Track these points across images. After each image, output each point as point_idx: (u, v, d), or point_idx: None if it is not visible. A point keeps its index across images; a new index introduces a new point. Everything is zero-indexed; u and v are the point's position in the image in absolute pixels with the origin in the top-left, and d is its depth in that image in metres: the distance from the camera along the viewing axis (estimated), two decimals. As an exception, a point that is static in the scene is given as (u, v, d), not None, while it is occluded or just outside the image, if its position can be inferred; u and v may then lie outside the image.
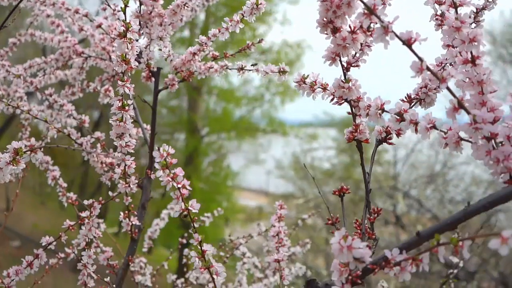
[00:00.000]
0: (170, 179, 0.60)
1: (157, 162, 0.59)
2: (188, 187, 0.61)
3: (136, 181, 0.89)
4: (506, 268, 5.97)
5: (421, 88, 0.66)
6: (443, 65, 0.67)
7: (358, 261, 0.49)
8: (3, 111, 1.32)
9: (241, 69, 0.92)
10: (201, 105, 11.83)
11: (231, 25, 0.85)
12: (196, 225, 0.65)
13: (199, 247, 0.63)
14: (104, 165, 1.01)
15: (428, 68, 0.49)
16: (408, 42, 0.50)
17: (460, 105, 0.50)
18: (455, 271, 1.06)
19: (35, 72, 1.20)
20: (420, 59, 0.49)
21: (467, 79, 0.53)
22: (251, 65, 0.94)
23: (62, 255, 1.11)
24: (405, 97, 0.67)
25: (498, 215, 6.14)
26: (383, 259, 0.52)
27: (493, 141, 0.51)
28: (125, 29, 0.67)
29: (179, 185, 0.60)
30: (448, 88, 0.50)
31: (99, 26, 1.06)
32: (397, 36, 0.49)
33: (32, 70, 1.20)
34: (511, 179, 0.49)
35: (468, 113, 0.50)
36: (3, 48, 1.35)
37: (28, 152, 0.65)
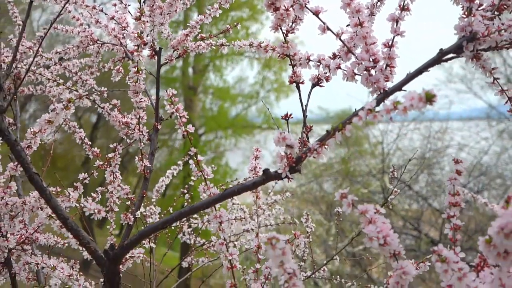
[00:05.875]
0: (175, 111, 0.91)
1: (165, 100, 0.91)
2: (186, 116, 0.92)
3: (147, 130, 1.21)
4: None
5: (341, 47, 0.98)
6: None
7: (289, 147, 0.81)
8: (33, 92, 1.63)
9: (222, 45, 1.24)
10: (197, 105, 12.12)
11: (213, 11, 1.17)
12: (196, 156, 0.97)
13: (195, 158, 0.95)
14: (120, 123, 1.32)
15: (328, 28, 0.81)
16: (316, 13, 0.81)
17: (349, 50, 0.82)
18: (392, 197, 1.37)
19: (61, 57, 1.52)
20: (324, 23, 0.81)
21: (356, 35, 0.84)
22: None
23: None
24: (332, 54, 0.98)
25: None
26: (308, 149, 0.83)
27: (373, 71, 0.83)
28: (140, 14, 0.98)
29: (180, 115, 0.92)
30: (342, 41, 0.82)
31: (112, 18, 1.37)
32: (309, 10, 0.81)
33: (58, 55, 1.51)
34: (383, 93, 0.81)
35: (354, 55, 0.81)
36: (32, 40, 1.66)
37: (78, 99, 0.96)
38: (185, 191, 1.75)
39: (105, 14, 1.42)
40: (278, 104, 12.12)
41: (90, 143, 1.40)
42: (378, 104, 0.79)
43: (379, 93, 0.81)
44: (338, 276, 1.66)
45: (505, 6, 0.79)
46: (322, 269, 1.48)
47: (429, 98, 0.58)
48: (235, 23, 1.26)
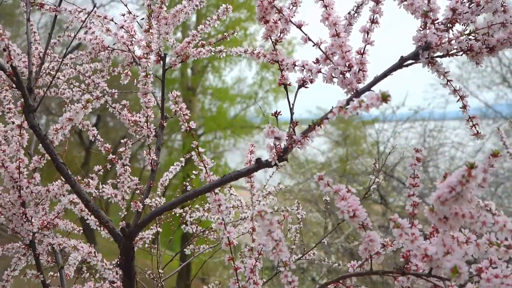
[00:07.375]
0: (178, 109, 1.07)
1: (170, 100, 1.06)
2: (188, 114, 1.07)
3: (155, 127, 1.36)
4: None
5: (322, 54, 1.13)
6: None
7: (277, 139, 0.96)
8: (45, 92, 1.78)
9: (220, 51, 1.39)
10: (196, 105, 12.27)
11: (212, 21, 1.32)
12: (197, 149, 1.12)
13: (196, 150, 1.10)
14: (130, 121, 1.47)
15: (309, 39, 0.96)
16: (299, 26, 0.96)
17: (327, 57, 0.97)
18: (373, 188, 1.52)
19: (75, 62, 1.67)
20: (305, 34, 0.96)
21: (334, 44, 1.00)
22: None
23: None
24: (315, 59, 1.14)
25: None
26: (293, 141, 0.98)
27: (348, 75, 0.98)
28: (149, 27, 1.13)
29: (184, 113, 1.07)
30: (321, 49, 0.97)
31: (122, 27, 1.52)
32: (293, 23, 0.96)
33: (73, 61, 1.66)
34: (354, 93, 0.96)
35: (331, 61, 0.97)
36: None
37: (96, 100, 1.11)
38: (187, 184, 1.90)
39: (115, 23, 1.57)
40: (276, 105, 12.27)
41: (102, 140, 1.56)
42: (348, 103, 0.94)
43: (352, 93, 0.96)
44: (325, 258, 1.81)
45: (457, 20, 0.94)
46: (312, 252, 1.64)
47: (384, 98, 0.73)
48: (232, 31, 1.41)
